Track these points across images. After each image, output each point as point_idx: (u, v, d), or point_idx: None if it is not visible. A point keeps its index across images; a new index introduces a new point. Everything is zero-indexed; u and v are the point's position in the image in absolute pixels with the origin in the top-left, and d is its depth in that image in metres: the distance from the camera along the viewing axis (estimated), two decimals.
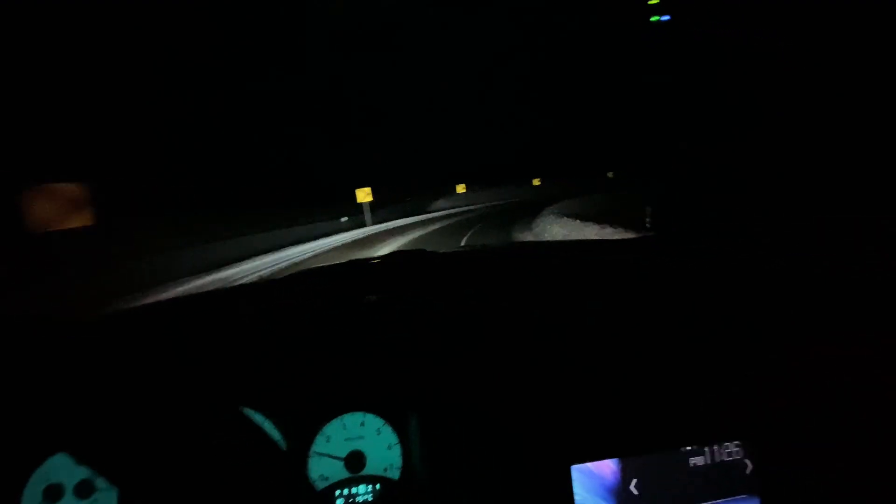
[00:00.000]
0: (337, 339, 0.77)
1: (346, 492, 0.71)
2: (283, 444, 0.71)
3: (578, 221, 9.91)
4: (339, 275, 1.03)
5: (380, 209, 24.11)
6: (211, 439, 0.70)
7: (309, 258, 11.84)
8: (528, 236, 11.00)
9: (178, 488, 0.68)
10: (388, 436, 0.73)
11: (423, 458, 0.70)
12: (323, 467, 0.72)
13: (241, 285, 1.23)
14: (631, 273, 0.94)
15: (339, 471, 0.72)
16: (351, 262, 1.09)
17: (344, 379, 0.74)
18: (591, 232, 8.47)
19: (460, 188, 34.24)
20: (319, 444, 0.72)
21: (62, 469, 0.68)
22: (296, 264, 10.81)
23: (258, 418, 0.72)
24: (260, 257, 13.18)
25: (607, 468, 0.65)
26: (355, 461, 0.72)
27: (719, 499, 0.66)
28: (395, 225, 20.20)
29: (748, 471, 0.67)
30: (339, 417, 0.73)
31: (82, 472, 0.68)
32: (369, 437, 0.73)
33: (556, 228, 10.32)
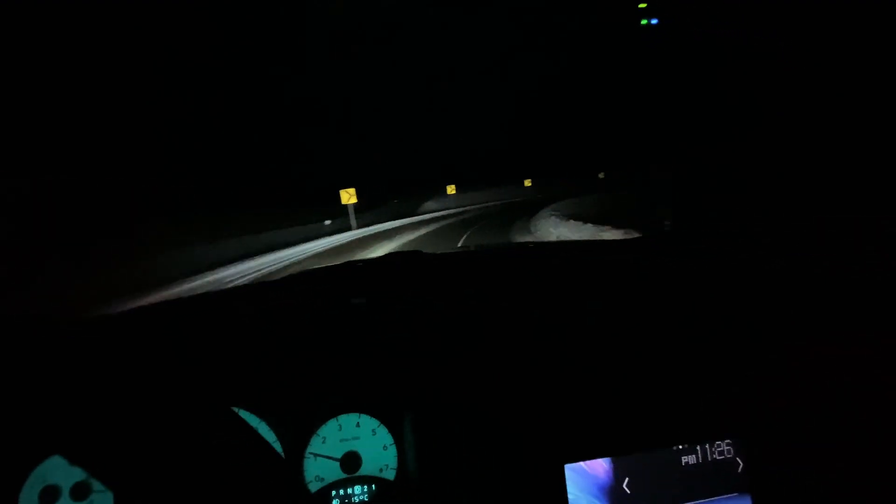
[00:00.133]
0: (333, 340, 0.76)
1: (341, 492, 0.71)
2: (278, 445, 0.71)
3: (591, 225, 9.02)
4: (335, 276, 1.03)
5: (367, 211, 23.13)
6: (206, 440, 0.69)
7: (266, 273, 9.53)
8: (530, 240, 10.51)
9: (173, 490, 0.67)
10: (384, 436, 0.73)
11: (417, 459, 0.70)
12: (318, 468, 0.72)
13: (238, 287, 1.23)
14: (630, 273, 0.94)
15: (334, 471, 0.72)
16: (347, 263, 1.09)
17: (339, 380, 0.74)
18: (607, 236, 7.68)
19: (450, 189, 33.14)
20: (315, 445, 0.72)
21: (59, 471, 0.68)
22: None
23: (254, 419, 0.71)
24: (203, 275, 9.86)
25: (600, 467, 0.65)
26: (351, 462, 0.71)
27: (711, 497, 0.67)
28: (383, 228, 19.13)
29: (740, 469, 0.67)
30: (335, 418, 0.73)
31: (79, 474, 0.68)
32: (365, 437, 0.73)
33: (562, 230, 9.81)
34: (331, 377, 0.74)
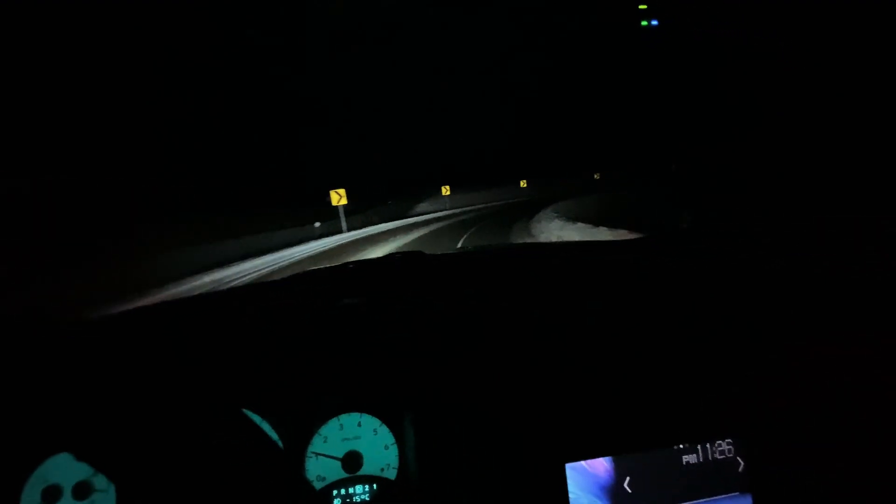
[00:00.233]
0: (334, 339, 0.76)
1: (342, 492, 0.71)
2: (280, 444, 0.71)
3: (605, 228, 8.24)
4: (337, 275, 1.03)
5: (358, 213, 21.89)
6: (209, 439, 0.69)
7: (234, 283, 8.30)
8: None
9: (176, 488, 0.68)
10: (385, 436, 0.73)
11: (418, 459, 0.70)
12: (320, 467, 0.72)
13: (240, 287, 1.23)
14: (630, 273, 0.94)
15: (336, 471, 0.72)
16: (349, 263, 1.09)
17: (341, 379, 0.74)
18: (623, 236, 7.02)
19: (445, 190, 31.89)
20: (317, 445, 0.72)
21: (61, 470, 0.68)
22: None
23: (256, 419, 0.71)
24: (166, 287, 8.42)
25: (601, 466, 0.65)
26: (352, 461, 0.72)
27: (712, 496, 0.67)
28: (375, 231, 17.84)
29: (740, 469, 0.67)
30: (336, 418, 0.73)
31: (80, 474, 0.68)
32: (366, 437, 0.73)
33: (570, 234, 9.04)
34: (332, 377, 0.74)
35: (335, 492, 0.71)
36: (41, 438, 0.69)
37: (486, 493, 0.66)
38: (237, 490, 0.68)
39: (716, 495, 0.67)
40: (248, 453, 0.69)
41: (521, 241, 10.27)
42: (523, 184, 36.55)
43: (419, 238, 13.38)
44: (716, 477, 0.67)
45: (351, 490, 0.71)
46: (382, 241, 13.10)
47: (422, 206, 31.77)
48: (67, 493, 0.68)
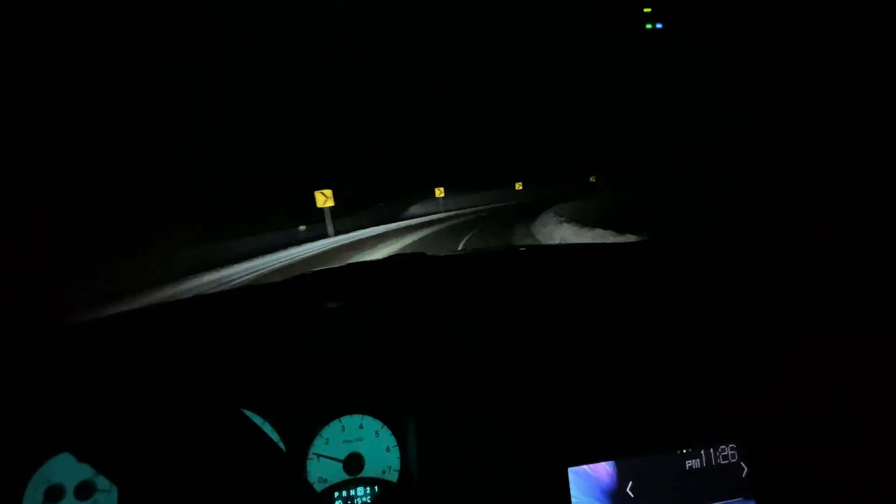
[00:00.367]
0: (336, 340, 0.76)
1: (344, 494, 0.71)
2: (282, 445, 0.71)
3: (631, 235, 6.89)
4: (339, 277, 1.03)
5: (347, 215, 20.74)
6: (209, 440, 0.69)
7: None
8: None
9: (176, 489, 0.68)
10: (387, 438, 0.73)
11: (420, 461, 0.70)
12: (321, 469, 0.72)
13: (242, 287, 1.23)
14: (630, 273, 0.94)
15: (337, 473, 0.72)
16: (351, 264, 1.09)
17: (343, 381, 0.74)
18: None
19: (439, 192, 30.40)
20: (318, 446, 0.72)
21: (63, 470, 0.68)
22: None
23: (257, 419, 0.71)
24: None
25: (603, 470, 0.65)
26: (354, 463, 0.71)
27: (715, 502, 0.66)
28: (365, 235, 16.73)
29: (744, 473, 0.67)
30: (338, 419, 0.73)
31: (83, 474, 0.68)
32: (368, 439, 0.73)
33: (585, 238, 8.12)
34: (334, 378, 0.74)
35: (336, 493, 0.71)
36: (43, 439, 0.69)
37: (488, 496, 0.66)
38: (238, 491, 0.68)
39: (719, 500, 0.66)
40: (248, 454, 0.70)
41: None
42: (518, 186, 35.75)
43: (411, 244, 12.53)
44: (719, 482, 0.66)
45: (352, 492, 0.71)
46: (369, 249, 12.08)
47: (414, 209, 30.85)
48: (70, 492, 0.68)
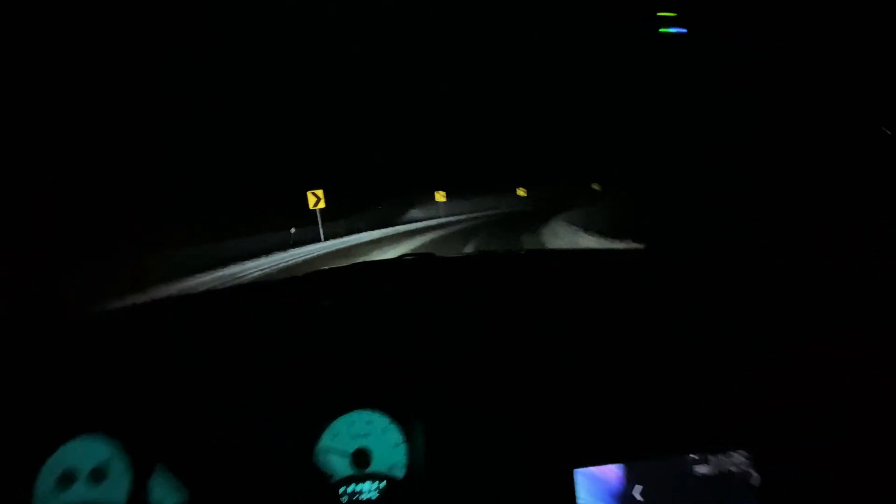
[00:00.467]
0: (346, 337, 0.77)
1: (350, 489, 0.72)
2: (291, 438, 0.72)
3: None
4: (348, 275, 1.04)
5: (343, 217, 19.80)
6: (220, 432, 0.70)
7: None
8: None
9: (185, 482, 0.69)
10: (394, 434, 0.74)
11: (427, 458, 0.71)
12: (329, 463, 0.73)
13: (253, 283, 1.24)
14: (632, 273, 0.95)
15: (344, 467, 0.73)
16: (360, 263, 1.10)
17: (353, 377, 0.75)
18: None
19: (439, 196, 29.37)
20: (327, 440, 0.73)
21: (78, 455, 0.69)
22: None
23: (269, 411, 0.72)
24: None
25: (611, 473, 0.65)
26: (361, 458, 0.72)
27: None
28: (359, 240, 15.91)
29: (752, 480, 0.66)
30: (347, 414, 0.74)
31: (97, 459, 0.69)
32: (376, 434, 0.74)
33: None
34: (343, 374, 0.75)
35: (343, 488, 0.72)
36: (63, 421, 0.70)
37: (494, 495, 0.66)
38: (248, 483, 0.69)
39: None
40: (259, 446, 0.71)
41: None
42: (521, 192, 34.68)
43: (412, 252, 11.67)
44: (728, 488, 0.66)
45: (359, 487, 0.72)
46: (364, 256, 11.17)
47: (414, 213, 29.80)
48: (83, 477, 0.69)
